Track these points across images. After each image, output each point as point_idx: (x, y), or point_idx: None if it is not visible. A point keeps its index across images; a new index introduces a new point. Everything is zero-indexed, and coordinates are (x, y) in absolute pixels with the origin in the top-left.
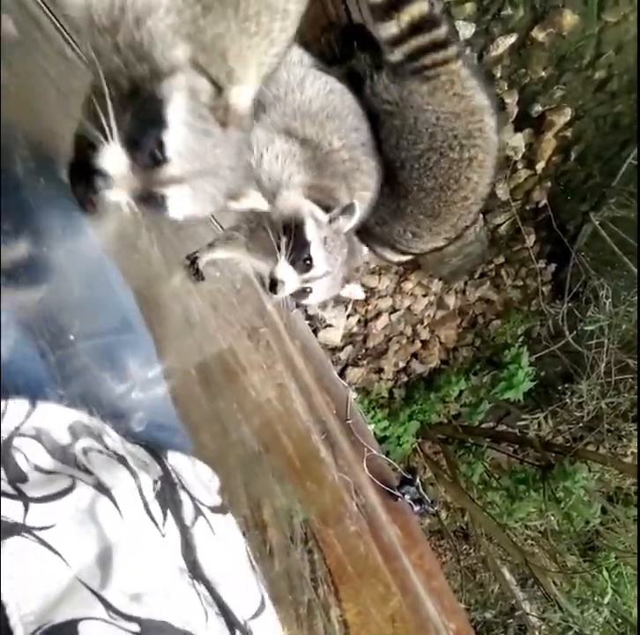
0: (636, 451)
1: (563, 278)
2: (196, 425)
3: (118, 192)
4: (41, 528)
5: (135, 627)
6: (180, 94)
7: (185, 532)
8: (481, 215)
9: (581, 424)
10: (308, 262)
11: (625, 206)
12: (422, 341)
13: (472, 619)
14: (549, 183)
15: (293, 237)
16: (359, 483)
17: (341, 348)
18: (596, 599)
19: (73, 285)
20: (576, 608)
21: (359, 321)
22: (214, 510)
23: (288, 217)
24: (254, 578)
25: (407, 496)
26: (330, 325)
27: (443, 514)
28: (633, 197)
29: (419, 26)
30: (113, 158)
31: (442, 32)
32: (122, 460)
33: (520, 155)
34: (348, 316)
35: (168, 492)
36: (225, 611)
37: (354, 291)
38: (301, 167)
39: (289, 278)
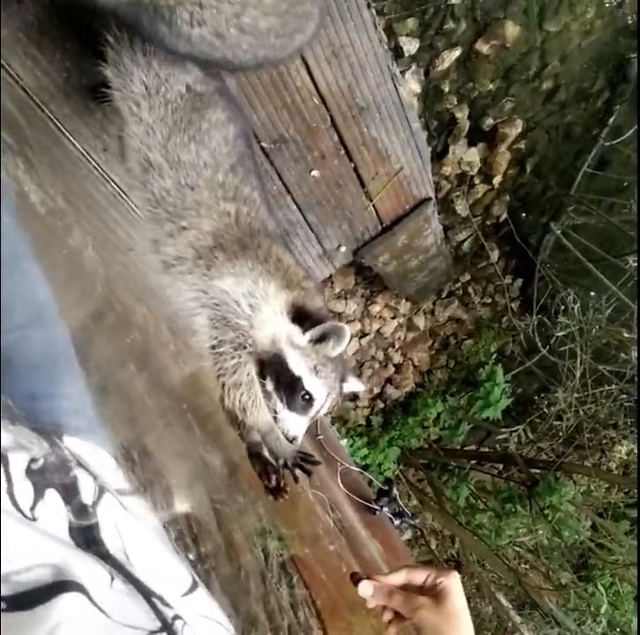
0: (619, 461)
1: (531, 292)
2: (159, 451)
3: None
4: None
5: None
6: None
7: (80, 510)
8: (442, 229)
9: (562, 435)
10: (306, 397)
11: (585, 214)
12: (395, 365)
13: None
14: (508, 197)
15: (279, 377)
16: (334, 499)
17: None
18: (592, 610)
19: None
20: (574, 623)
21: None
22: (122, 492)
23: (267, 351)
24: (178, 560)
25: (386, 509)
26: None
27: (433, 543)
28: (593, 203)
29: None
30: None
31: None
32: None
33: (476, 170)
34: None
35: (55, 470)
36: (135, 582)
37: (353, 387)
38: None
39: (297, 427)
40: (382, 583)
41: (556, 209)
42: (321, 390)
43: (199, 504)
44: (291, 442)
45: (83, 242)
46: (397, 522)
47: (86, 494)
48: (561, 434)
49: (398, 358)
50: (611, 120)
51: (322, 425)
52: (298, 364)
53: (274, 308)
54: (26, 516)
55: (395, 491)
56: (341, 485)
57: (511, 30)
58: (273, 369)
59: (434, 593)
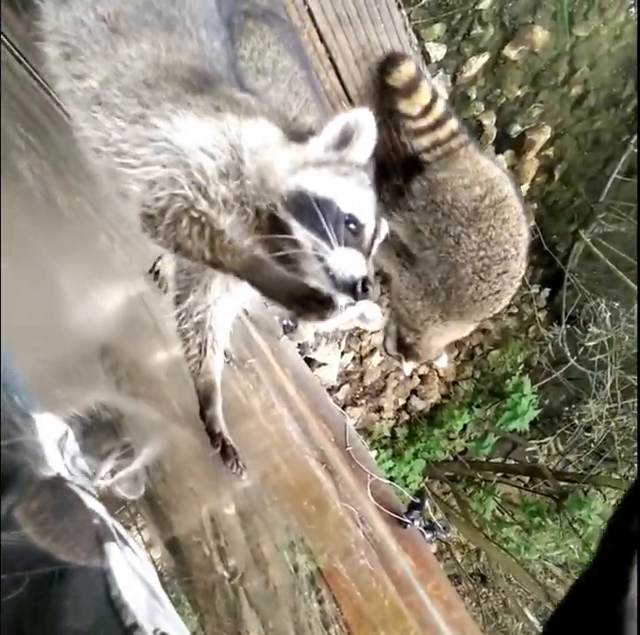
0: None
1: (559, 302)
2: (184, 462)
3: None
4: None
5: None
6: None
7: None
8: None
9: (592, 446)
10: (351, 224)
11: (616, 221)
12: (421, 376)
13: None
14: (536, 205)
15: (306, 216)
16: (364, 512)
17: (338, 388)
18: None
19: None
20: None
21: (354, 358)
22: None
23: (282, 196)
24: None
25: (417, 523)
26: (324, 364)
27: (459, 557)
28: (624, 210)
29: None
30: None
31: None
32: None
33: None
34: (342, 353)
35: None
36: None
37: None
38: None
39: (358, 264)
40: None
41: (585, 217)
42: (364, 207)
43: (226, 514)
44: (358, 288)
45: (110, 245)
46: (428, 536)
47: None
48: (591, 446)
49: (423, 369)
50: None
51: (350, 436)
52: (322, 184)
53: (263, 138)
54: None
55: (427, 504)
56: (371, 498)
57: (540, 35)
58: (295, 214)
59: None
